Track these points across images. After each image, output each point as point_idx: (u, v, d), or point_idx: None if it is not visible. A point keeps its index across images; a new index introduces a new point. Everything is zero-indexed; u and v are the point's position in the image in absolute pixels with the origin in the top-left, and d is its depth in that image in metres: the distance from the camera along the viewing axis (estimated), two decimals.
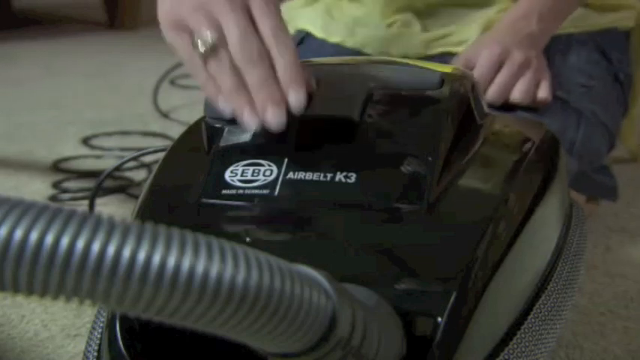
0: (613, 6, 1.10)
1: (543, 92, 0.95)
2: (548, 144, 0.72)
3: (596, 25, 1.08)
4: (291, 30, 1.18)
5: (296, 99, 0.58)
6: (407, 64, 0.73)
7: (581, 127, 1.01)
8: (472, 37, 1.05)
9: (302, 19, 1.16)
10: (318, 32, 1.12)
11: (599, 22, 1.08)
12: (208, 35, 0.60)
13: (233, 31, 0.60)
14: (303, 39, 1.13)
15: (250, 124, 0.59)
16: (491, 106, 0.85)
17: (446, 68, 0.71)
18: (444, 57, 1.06)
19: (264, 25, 0.60)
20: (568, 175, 0.74)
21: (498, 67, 0.94)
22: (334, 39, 1.11)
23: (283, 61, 0.59)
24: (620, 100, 1.09)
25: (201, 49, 0.60)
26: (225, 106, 0.60)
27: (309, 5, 1.18)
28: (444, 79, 0.67)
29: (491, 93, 0.93)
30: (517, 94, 0.94)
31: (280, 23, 0.61)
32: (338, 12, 1.14)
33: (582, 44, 1.06)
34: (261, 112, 0.58)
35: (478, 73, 0.93)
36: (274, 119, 0.58)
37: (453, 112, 0.65)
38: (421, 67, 0.71)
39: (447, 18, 1.09)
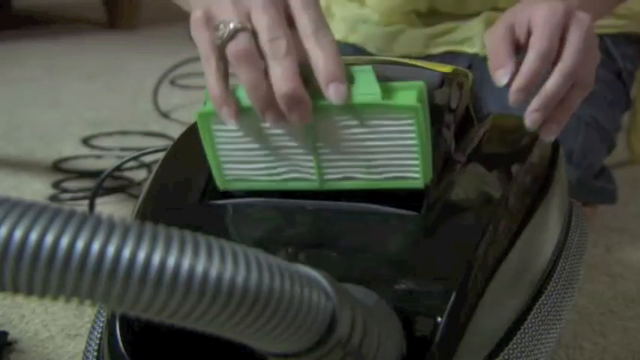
0: (626, 11, 1.09)
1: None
2: (548, 143, 0.72)
3: (605, 28, 1.07)
4: None
5: (337, 93, 0.54)
6: (407, 64, 0.73)
7: (580, 134, 1.00)
8: (476, 34, 1.05)
9: None
10: None
11: (610, 24, 1.07)
12: (233, 21, 0.55)
13: (262, 20, 0.55)
14: None
15: (273, 122, 0.56)
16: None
17: (446, 68, 0.71)
18: (446, 56, 1.06)
19: (304, 18, 0.56)
20: (567, 183, 0.74)
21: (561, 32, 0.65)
22: (335, 37, 1.11)
23: (324, 55, 0.55)
24: (621, 98, 1.09)
25: (222, 33, 0.55)
26: (228, 113, 0.56)
27: None
28: (444, 79, 0.67)
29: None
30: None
31: (321, 16, 0.57)
32: (338, 9, 1.14)
33: None
34: (286, 110, 0.55)
35: (538, 36, 0.64)
36: (300, 119, 0.55)
37: (452, 112, 0.65)
38: (421, 67, 0.71)
39: (450, 19, 1.09)
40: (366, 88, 0.55)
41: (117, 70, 2.28)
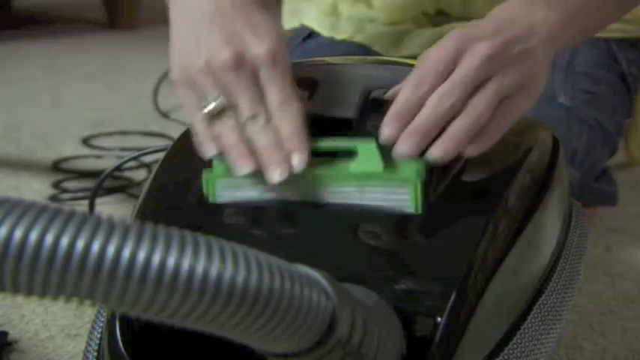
0: (631, 16, 1.09)
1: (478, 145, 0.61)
2: (548, 143, 0.72)
3: (612, 32, 1.06)
4: (296, 24, 1.17)
5: (298, 163, 0.58)
6: (407, 64, 0.73)
7: (583, 136, 1.00)
8: None
9: (307, 15, 1.14)
10: (325, 31, 1.11)
11: (617, 29, 1.07)
12: (215, 99, 0.61)
13: (241, 99, 0.60)
14: (311, 34, 1.12)
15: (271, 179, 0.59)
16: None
17: None
18: None
19: (271, 91, 0.61)
20: (569, 184, 0.74)
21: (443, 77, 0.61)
22: (342, 36, 1.10)
23: (289, 128, 0.60)
24: (624, 102, 1.09)
25: (207, 110, 0.61)
26: (240, 158, 0.60)
27: (311, 0, 1.16)
28: None
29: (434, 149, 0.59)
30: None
31: (287, 87, 0.61)
32: (345, 8, 1.13)
33: (593, 46, 1.05)
34: (267, 171, 0.59)
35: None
36: (279, 178, 0.58)
37: None
38: None
39: (458, 21, 1.08)
40: (370, 161, 0.58)
41: (117, 70, 2.28)
